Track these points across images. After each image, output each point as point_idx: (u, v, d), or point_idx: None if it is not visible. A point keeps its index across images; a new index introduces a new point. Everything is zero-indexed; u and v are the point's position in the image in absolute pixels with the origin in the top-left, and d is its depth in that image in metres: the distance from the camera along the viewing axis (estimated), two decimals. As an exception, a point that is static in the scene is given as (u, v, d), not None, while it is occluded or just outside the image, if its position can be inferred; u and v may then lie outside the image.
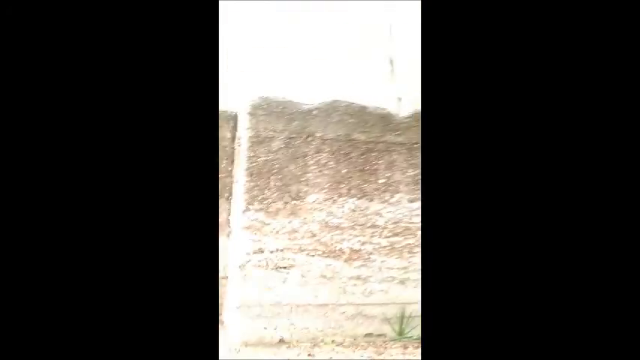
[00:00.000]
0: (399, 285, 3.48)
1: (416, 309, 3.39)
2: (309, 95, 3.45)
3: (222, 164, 4.00)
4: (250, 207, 3.26)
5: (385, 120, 3.54)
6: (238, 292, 3.22)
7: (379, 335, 3.36)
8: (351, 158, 3.44)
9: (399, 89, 11.33)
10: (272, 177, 3.30)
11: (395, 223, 3.50)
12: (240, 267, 3.23)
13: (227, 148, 3.99)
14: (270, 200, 3.29)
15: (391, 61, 11.79)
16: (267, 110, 3.32)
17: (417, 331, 3.36)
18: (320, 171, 3.38)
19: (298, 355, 3.05)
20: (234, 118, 4.02)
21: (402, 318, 3.35)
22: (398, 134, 3.55)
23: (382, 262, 3.45)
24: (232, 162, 3.99)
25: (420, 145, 3.55)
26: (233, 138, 4.01)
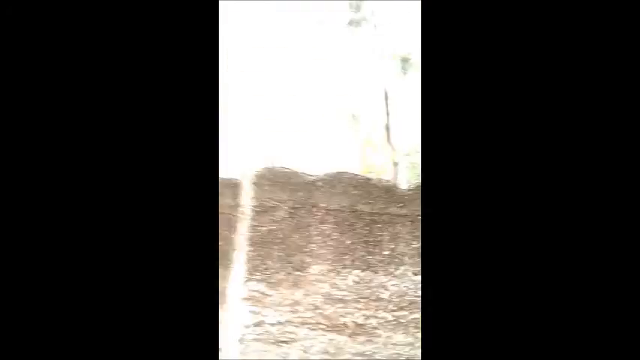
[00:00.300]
0: (406, 363, 3.32)
1: (423, 390, 3.21)
2: (310, 164, 3.51)
3: (224, 232, 4.01)
4: (252, 277, 3.22)
5: (389, 192, 3.57)
6: (236, 368, 3.09)
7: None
8: (355, 229, 3.44)
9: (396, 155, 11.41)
10: (275, 247, 3.29)
11: (400, 296, 3.42)
12: (239, 340, 3.13)
13: (229, 216, 4.02)
14: (272, 270, 3.25)
15: (387, 127, 12.02)
16: (272, 180, 3.37)
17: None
18: (324, 242, 3.37)
19: None
20: (236, 186, 4.08)
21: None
22: (401, 206, 3.56)
23: (387, 337, 3.32)
24: (234, 230, 4.00)
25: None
26: (235, 206, 4.04)
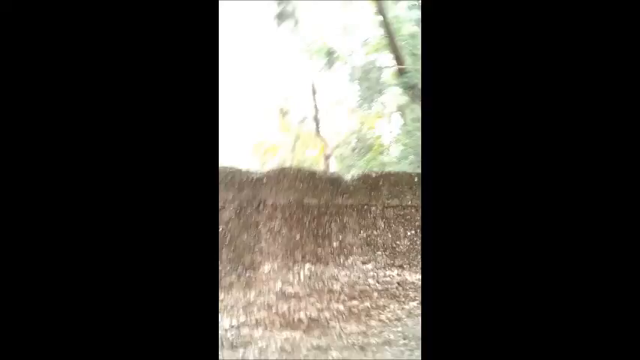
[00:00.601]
0: (360, 351, 3.38)
1: (379, 375, 3.29)
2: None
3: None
4: (202, 282, 3.10)
5: (334, 183, 3.60)
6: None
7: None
8: (303, 223, 3.43)
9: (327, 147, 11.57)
10: (224, 249, 3.19)
11: (351, 286, 3.46)
12: (192, 349, 3.00)
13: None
14: (223, 274, 3.16)
15: (316, 121, 12.13)
16: (216, 180, 3.26)
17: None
18: (273, 239, 3.32)
19: None
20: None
21: (366, 387, 3.21)
22: (347, 197, 3.60)
23: (342, 327, 3.36)
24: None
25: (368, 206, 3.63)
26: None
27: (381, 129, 13.35)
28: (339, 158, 12.60)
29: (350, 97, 13.75)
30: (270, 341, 3.22)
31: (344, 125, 13.84)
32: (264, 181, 3.40)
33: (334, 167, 11.82)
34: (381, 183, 3.67)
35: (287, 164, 12.43)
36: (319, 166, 11.17)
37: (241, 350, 3.13)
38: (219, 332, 3.10)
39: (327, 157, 11.77)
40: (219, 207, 3.22)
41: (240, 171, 3.38)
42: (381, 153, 12.44)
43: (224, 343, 3.10)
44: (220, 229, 3.20)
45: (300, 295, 3.31)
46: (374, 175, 3.71)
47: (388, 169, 7.53)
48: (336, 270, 3.45)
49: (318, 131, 12.24)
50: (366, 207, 3.62)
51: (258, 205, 3.33)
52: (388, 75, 11.11)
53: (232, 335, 3.12)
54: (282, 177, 3.45)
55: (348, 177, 3.72)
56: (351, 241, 3.54)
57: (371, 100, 11.84)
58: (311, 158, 13.33)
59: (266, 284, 3.25)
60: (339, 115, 13.72)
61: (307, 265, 3.38)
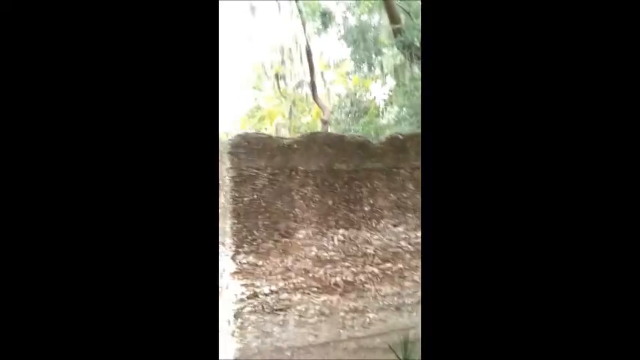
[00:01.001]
0: (396, 312, 3.46)
1: (415, 333, 3.39)
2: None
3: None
4: (240, 250, 3.10)
5: (362, 147, 3.56)
6: (235, 344, 3.01)
7: (384, 365, 3.30)
8: (335, 189, 3.41)
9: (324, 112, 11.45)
10: (260, 216, 3.18)
11: (383, 249, 3.50)
12: (234, 316, 3.04)
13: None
14: (260, 240, 3.16)
15: (312, 85, 11.94)
16: (248, 148, 3.21)
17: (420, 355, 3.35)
18: (307, 205, 3.32)
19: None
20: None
21: (405, 344, 3.31)
22: (375, 160, 3.58)
23: (376, 290, 3.42)
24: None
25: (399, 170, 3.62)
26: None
27: (377, 91, 13.19)
28: (334, 123, 12.49)
29: (345, 60, 13.52)
30: (309, 305, 3.27)
31: (339, 89, 13.64)
32: (295, 147, 3.35)
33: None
34: (408, 145, 3.65)
35: (283, 131, 12.29)
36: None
37: (282, 314, 3.18)
38: (259, 298, 3.12)
39: (324, 123, 11.64)
40: (252, 174, 3.19)
41: (270, 137, 3.32)
42: (377, 116, 12.34)
43: (265, 308, 3.14)
44: (255, 197, 3.18)
45: (335, 259, 3.34)
46: (401, 137, 3.68)
47: (387, 131, 7.49)
48: (368, 234, 3.47)
49: (314, 96, 12.04)
50: (394, 170, 3.61)
51: (290, 172, 3.30)
52: (384, 35, 10.89)
53: (272, 300, 3.15)
54: (311, 143, 3.41)
55: (375, 141, 3.69)
56: (381, 204, 3.55)
57: (366, 62, 11.62)
58: (307, 124, 13.18)
59: (302, 250, 3.27)
60: (334, 78, 13.49)
61: (341, 231, 3.39)
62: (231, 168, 3.16)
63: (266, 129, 12.50)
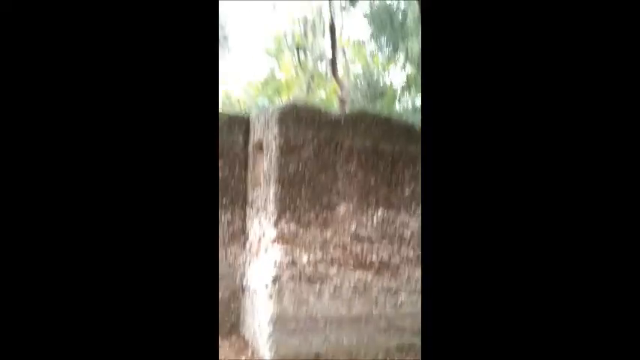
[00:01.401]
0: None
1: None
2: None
3: (235, 170, 3.79)
4: (282, 217, 3.12)
5: (408, 131, 3.56)
6: (272, 307, 3.06)
7: (410, 346, 3.37)
8: (378, 169, 3.42)
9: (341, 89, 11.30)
10: (303, 186, 3.19)
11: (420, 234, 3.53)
12: (273, 280, 3.07)
13: (239, 153, 3.79)
14: (302, 210, 3.17)
15: (332, 62, 11.73)
16: (296, 118, 3.20)
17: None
18: (349, 181, 3.33)
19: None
20: (245, 122, 3.82)
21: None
22: (420, 145, 3.58)
23: (410, 273, 3.46)
24: (245, 168, 3.80)
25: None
26: (245, 143, 3.81)
27: (396, 76, 13.06)
28: (349, 102, 12.38)
29: (366, 41, 13.30)
30: (344, 279, 3.31)
31: (357, 69, 13.48)
32: (342, 123, 3.34)
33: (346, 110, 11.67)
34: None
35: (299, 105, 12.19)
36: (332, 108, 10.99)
37: (318, 285, 3.22)
38: (297, 266, 3.16)
39: (342, 101, 11.55)
40: (299, 144, 3.18)
41: (319, 111, 3.31)
42: (394, 100, 12.23)
43: (302, 277, 3.18)
44: (299, 167, 3.18)
45: (372, 238, 3.37)
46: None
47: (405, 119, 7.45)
48: (407, 217, 3.49)
49: (334, 72, 11.90)
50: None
51: (336, 147, 3.30)
52: (412, 21, 10.74)
53: (310, 271, 3.19)
54: (359, 121, 3.40)
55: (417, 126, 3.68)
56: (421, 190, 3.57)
57: (391, 46, 11.49)
58: (322, 100, 13.07)
59: (341, 225, 3.29)
60: (354, 58, 13.32)
61: (380, 211, 3.41)
62: (278, 135, 3.15)
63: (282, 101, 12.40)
